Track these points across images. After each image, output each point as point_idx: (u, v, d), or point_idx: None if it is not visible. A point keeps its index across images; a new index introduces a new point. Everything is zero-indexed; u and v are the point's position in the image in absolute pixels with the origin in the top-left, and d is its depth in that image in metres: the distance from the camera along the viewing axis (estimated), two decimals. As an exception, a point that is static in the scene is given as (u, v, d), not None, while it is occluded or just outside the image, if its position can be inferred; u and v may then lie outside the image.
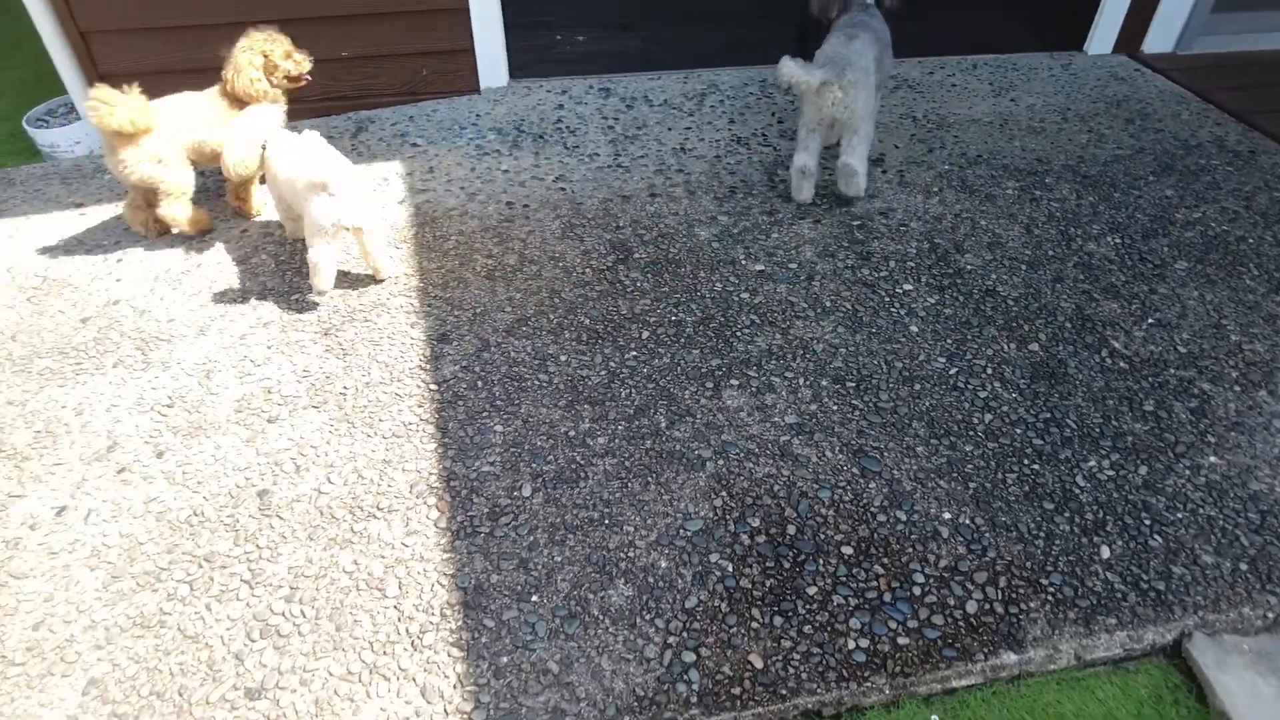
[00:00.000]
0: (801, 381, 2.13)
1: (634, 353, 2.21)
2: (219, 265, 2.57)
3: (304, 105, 3.31)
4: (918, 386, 2.13)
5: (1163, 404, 2.13)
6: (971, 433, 2.02)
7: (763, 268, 2.53)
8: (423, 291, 2.42)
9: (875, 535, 1.77)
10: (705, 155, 3.07)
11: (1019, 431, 2.03)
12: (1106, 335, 2.33)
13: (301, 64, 2.64)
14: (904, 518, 1.81)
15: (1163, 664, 1.66)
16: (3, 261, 2.65)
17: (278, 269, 2.54)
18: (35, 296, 2.48)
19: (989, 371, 2.19)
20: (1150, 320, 2.39)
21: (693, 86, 3.55)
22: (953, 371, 2.18)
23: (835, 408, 2.06)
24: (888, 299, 2.42)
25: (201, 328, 2.33)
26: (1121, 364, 2.24)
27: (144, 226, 2.68)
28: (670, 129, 3.24)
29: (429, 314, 2.34)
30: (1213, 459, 1.99)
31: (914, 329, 2.32)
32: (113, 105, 2.29)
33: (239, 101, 2.60)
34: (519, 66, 3.53)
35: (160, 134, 2.46)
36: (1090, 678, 1.63)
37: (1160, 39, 4.06)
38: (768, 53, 3.33)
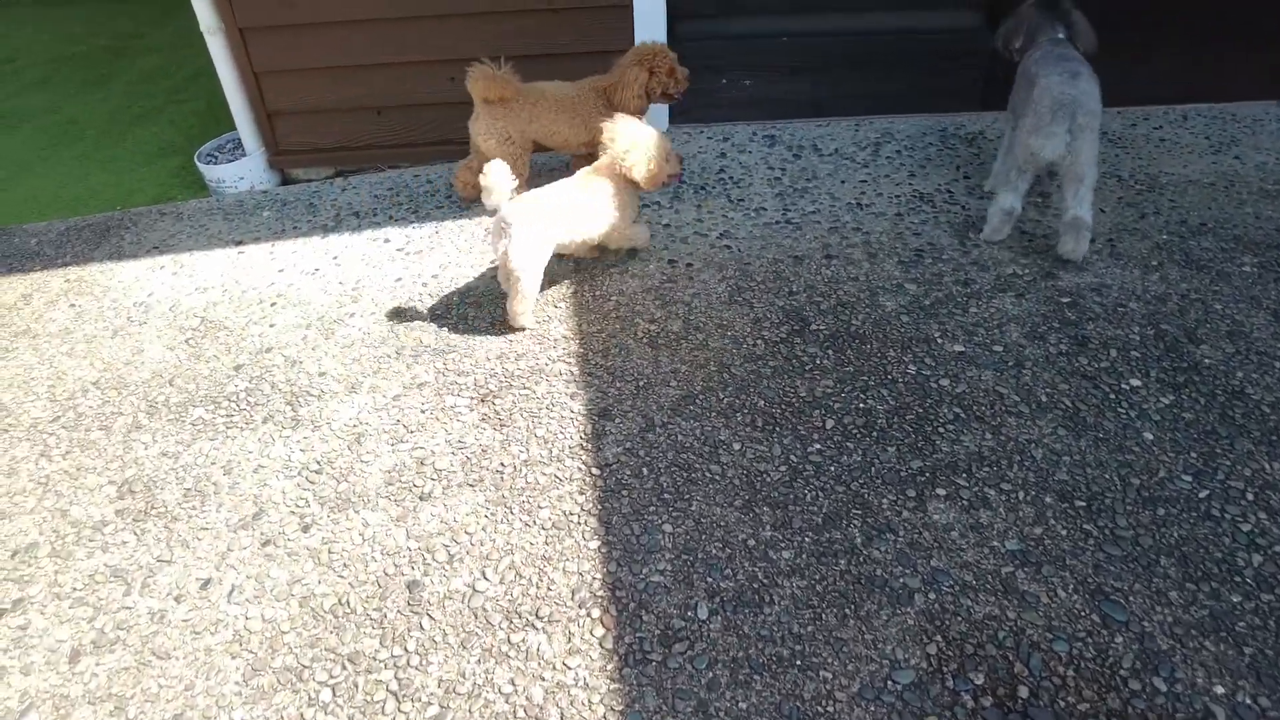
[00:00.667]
0: (1021, 496, 1.82)
1: (818, 445, 1.96)
2: (372, 316, 2.48)
3: (458, 147, 3.24)
4: (1161, 511, 1.79)
5: None
6: (1238, 578, 1.66)
7: (962, 349, 2.23)
8: (582, 358, 2.24)
9: (1130, 709, 1.45)
10: (885, 213, 2.80)
11: (1300, 581, 1.65)
12: (1397, 459, 1.91)
13: (681, 83, 2.66)
14: (1163, 688, 1.48)
15: None
16: (167, 299, 2.64)
17: (433, 322, 2.42)
18: (193, 339, 2.44)
19: (1250, 497, 1.82)
20: None
21: (865, 135, 3.29)
22: (1203, 494, 1.83)
23: (1064, 532, 1.75)
24: (1113, 396, 2.08)
25: (353, 384, 2.22)
26: None
27: (464, 187, 2.90)
28: (843, 182, 2.98)
29: (589, 384, 2.15)
30: None
31: (1148, 436, 1.97)
32: (481, 77, 2.55)
33: (609, 103, 2.65)
34: (679, 111, 3.35)
35: (514, 113, 2.64)
36: None
37: None
38: (948, 101, 3.04)
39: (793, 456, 1.93)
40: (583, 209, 2.31)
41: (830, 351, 2.23)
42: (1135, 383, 2.12)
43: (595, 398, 2.11)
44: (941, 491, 1.83)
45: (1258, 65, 3.44)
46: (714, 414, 2.05)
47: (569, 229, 2.30)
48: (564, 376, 2.18)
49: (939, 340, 2.25)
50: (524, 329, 2.33)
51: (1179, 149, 3.18)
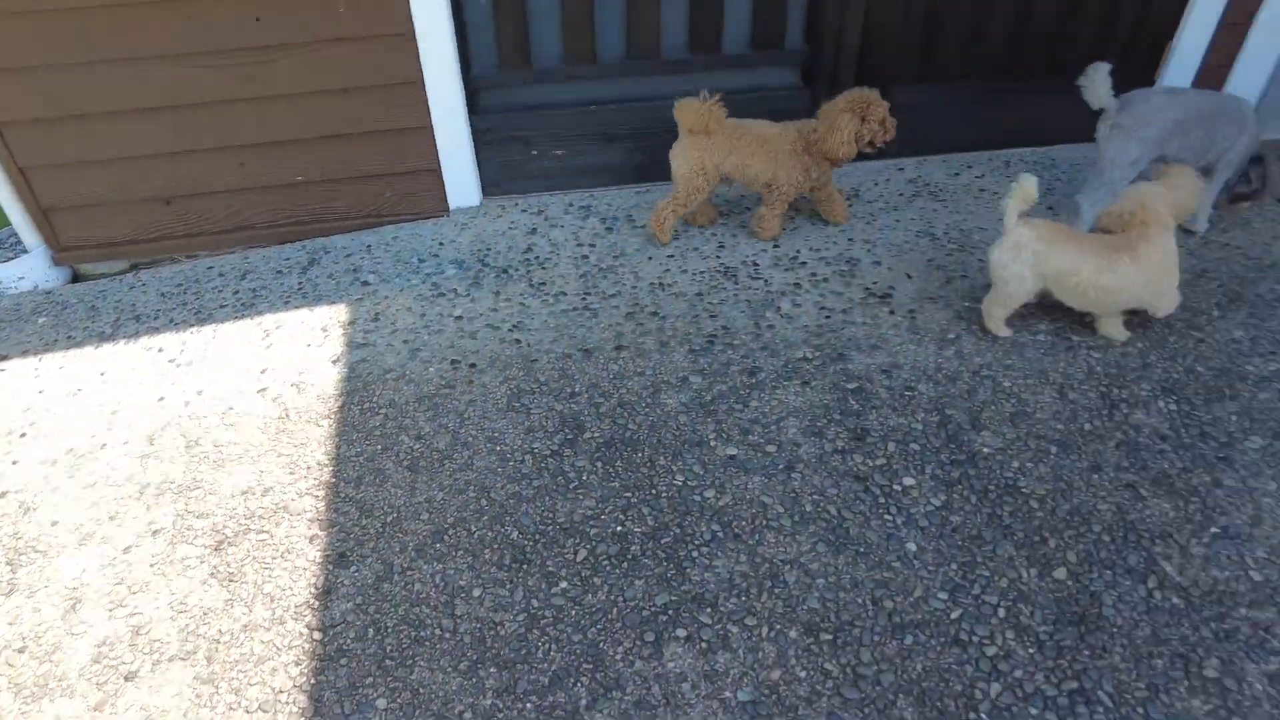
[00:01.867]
0: (765, 632, 1.73)
1: (564, 584, 1.84)
2: (125, 447, 2.29)
3: (257, 231, 3.07)
4: (910, 640, 1.71)
5: (1231, 667, 1.66)
6: (974, 714, 1.58)
7: (735, 451, 2.14)
8: (333, 490, 2.09)
9: None
10: (685, 292, 2.71)
11: (1034, 712, 1.59)
12: (1155, 554, 1.87)
13: (890, 132, 2.67)
14: None
15: None
16: (-99, 437, 2.42)
17: (186, 451, 2.25)
18: (-79, 486, 2.24)
19: (1001, 614, 1.75)
20: (1214, 529, 1.93)
21: (683, 200, 3.18)
22: (955, 615, 1.75)
23: (803, 675, 1.65)
24: (883, 500, 2.00)
25: (85, 535, 2.04)
26: (1174, 600, 1.78)
27: (658, 225, 2.89)
28: (650, 257, 2.89)
29: (333, 523, 2.01)
30: (1299, 761, 1.52)
31: (911, 547, 1.89)
32: (687, 105, 2.66)
33: (816, 149, 2.67)
34: (492, 184, 3.23)
35: (713, 146, 2.70)
36: None
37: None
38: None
39: (535, 601, 1.81)
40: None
41: (599, 464, 2.11)
42: (909, 482, 2.05)
43: (336, 540, 1.96)
44: (682, 633, 1.73)
45: (1078, 105, 3.43)
46: (461, 553, 1.92)
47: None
48: (308, 515, 2.03)
49: (713, 443, 2.16)
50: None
51: (997, 200, 3.15)
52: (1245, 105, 2.73)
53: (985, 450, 2.12)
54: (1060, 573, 1.83)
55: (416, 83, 2.91)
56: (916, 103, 3.23)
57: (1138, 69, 3.36)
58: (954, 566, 1.85)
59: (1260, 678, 1.64)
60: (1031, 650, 1.69)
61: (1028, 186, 2.24)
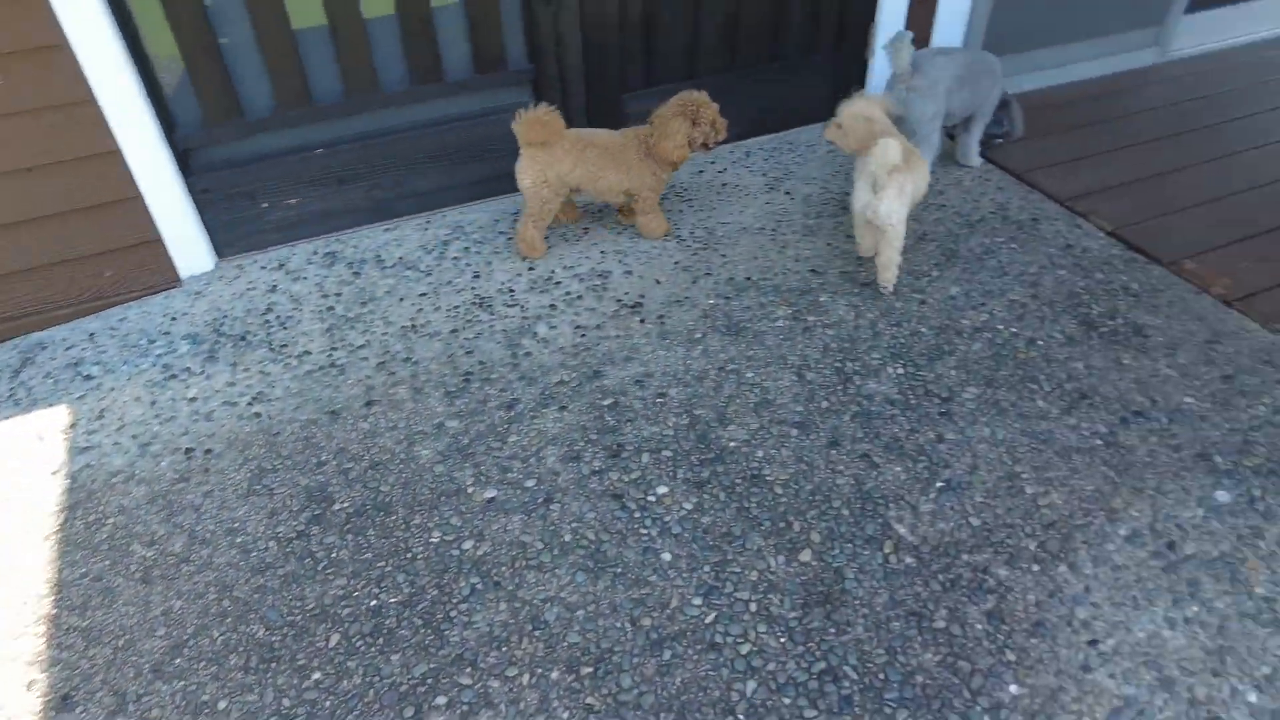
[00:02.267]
0: (526, 679, 1.71)
1: (317, 674, 1.75)
2: None
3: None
4: (668, 654, 1.74)
5: (956, 613, 1.80)
6: (731, 719, 1.63)
7: (494, 493, 2.10)
8: (54, 621, 1.90)
9: None
10: (440, 331, 2.64)
11: (788, 701, 1.65)
12: (890, 519, 2.00)
13: (722, 133, 2.77)
14: None
15: None
16: None
17: None
18: None
19: (753, 609, 1.82)
20: (939, 484, 2.08)
21: (435, 234, 3.12)
22: (709, 619, 1.80)
23: (566, 716, 1.65)
24: (638, 515, 2.03)
25: None
26: (908, 560, 1.91)
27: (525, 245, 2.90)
28: (402, 299, 2.80)
29: (55, 660, 1.82)
30: (1014, 689, 1.66)
31: (666, 557, 1.93)
32: (523, 118, 2.63)
33: (650, 152, 2.75)
34: (226, 244, 3.03)
35: (554, 158, 2.70)
36: None
37: (935, 91, 3.84)
38: (511, 182, 2.92)
39: (285, 700, 1.71)
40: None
41: (350, 536, 2.03)
42: (662, 490, 2.09)
43: (59, 680, 1.78)
44: (442, 700, 1.68)
45: (802, 90, 3.61)
46: (203, 664, 1.78)
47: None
48: (25, 658, 1.83)
49: (470, 489, 2.11)
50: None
51: (739, 192, 3.27)
52: (995, 60, 3.14)
53: (732, 444, 2.19)
54: (805, 555, 1.92)
55: (113, 152, 2.67)
56: (649, 107, 3.30)
57: (851, 49, 3.58)
58: (707, 569, 1.90)
59: (980, 618, 1.79)
60: (783, 640, 1.76)
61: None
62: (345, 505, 2.10)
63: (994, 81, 3.15)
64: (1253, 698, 1.65)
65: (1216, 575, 1.86)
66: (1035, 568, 1.88)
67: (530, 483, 2.12)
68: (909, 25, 3.52)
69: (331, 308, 2.78)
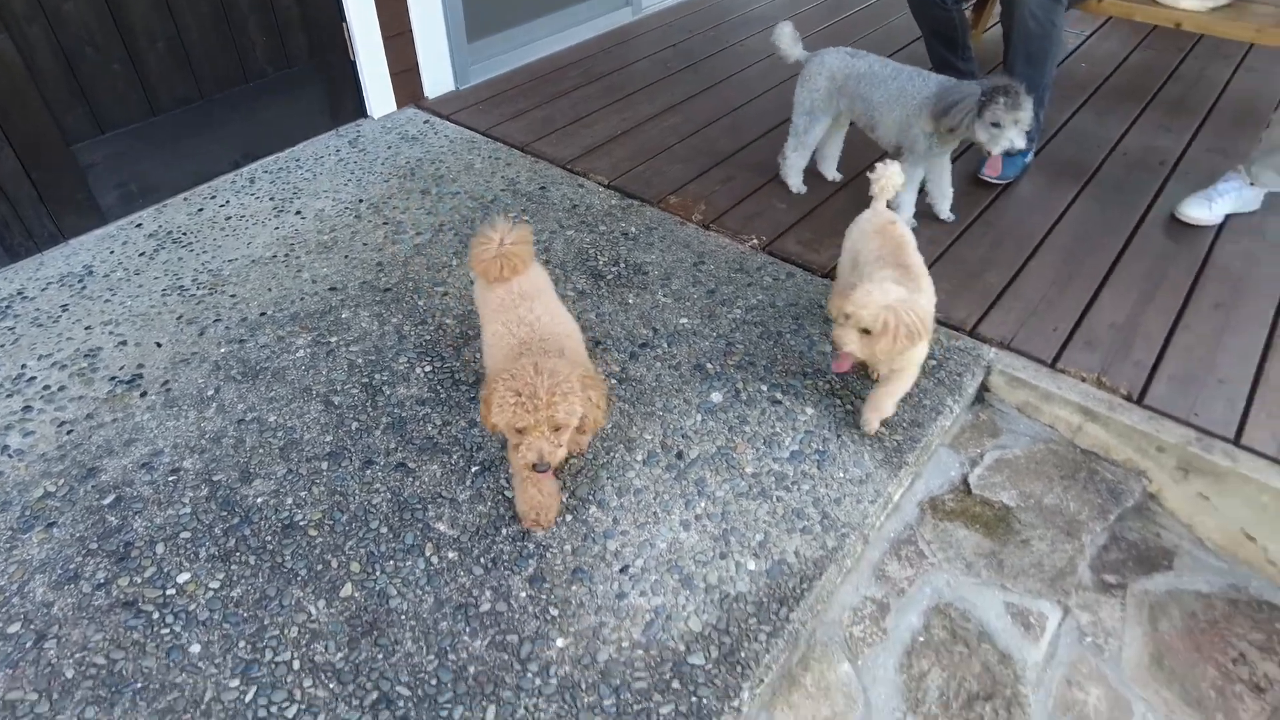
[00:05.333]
0: None
1: None
2: None
3: None
4: (204, 756, 1.57)
5: (500, 589, 1.84)
6: (282, 793, 1.52)
7: (-33, 657, 1.74)
8: None
9: None
10: (-128, 482, 2.13)
11: (342, 749, 1.58)
12: (429, 520, 1.99)
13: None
14: None
15: None
16: None
17: None
18: None
19: (296, 666, 1.71)
20: (475, 468, 2.11)
21: None
22: (250, 695, 1.66)
23: None
24: (158, 615, 1.81)
25: None
26: (451, 555, 1.91)
27: None
28: None
29: None
30: (560, 642, 1.74)
31: (195, 649, 1.74)
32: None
33: None
34: None
35: None
36: None
37: (439, 81, 3.90)
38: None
39: None
40: None
41: None
42: (184, 578, 1.88)
43: None
44: None
45: (293, 105, 3.44)
46: None
47: None
48: None
49: (-68, 664, 1.73)
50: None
51: (245, 223, 3.04)
52: (923, 83, 2.61)
53: (259, 500, 2.04)
54: (346, 589, 1.84)
55: None
56: (123, 151, 2.94)
57: (333, 53, 3.46)
58: (242, 645, 1.75)
59: (524, 585, 1.84)
60: (332, 685, 1.67)
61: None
62: None
63: (902, 107, 2.70)
64: (751, 565, 1.89)
65: (716, 468, 2.11)
66: (568, 518, 1.98)
67: (14, 628, 1.80)
68: (380, 18, 3.49)
69: None
